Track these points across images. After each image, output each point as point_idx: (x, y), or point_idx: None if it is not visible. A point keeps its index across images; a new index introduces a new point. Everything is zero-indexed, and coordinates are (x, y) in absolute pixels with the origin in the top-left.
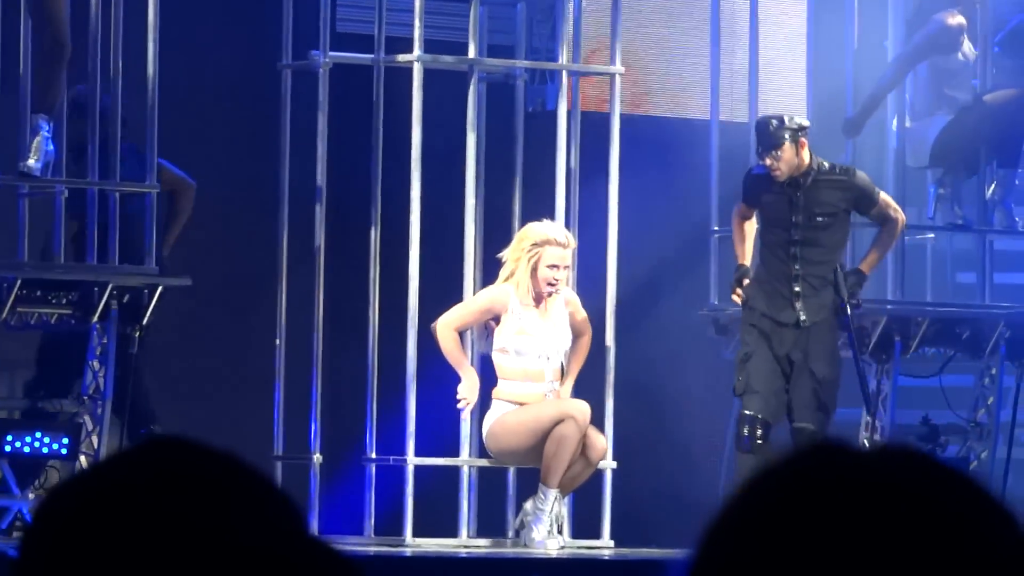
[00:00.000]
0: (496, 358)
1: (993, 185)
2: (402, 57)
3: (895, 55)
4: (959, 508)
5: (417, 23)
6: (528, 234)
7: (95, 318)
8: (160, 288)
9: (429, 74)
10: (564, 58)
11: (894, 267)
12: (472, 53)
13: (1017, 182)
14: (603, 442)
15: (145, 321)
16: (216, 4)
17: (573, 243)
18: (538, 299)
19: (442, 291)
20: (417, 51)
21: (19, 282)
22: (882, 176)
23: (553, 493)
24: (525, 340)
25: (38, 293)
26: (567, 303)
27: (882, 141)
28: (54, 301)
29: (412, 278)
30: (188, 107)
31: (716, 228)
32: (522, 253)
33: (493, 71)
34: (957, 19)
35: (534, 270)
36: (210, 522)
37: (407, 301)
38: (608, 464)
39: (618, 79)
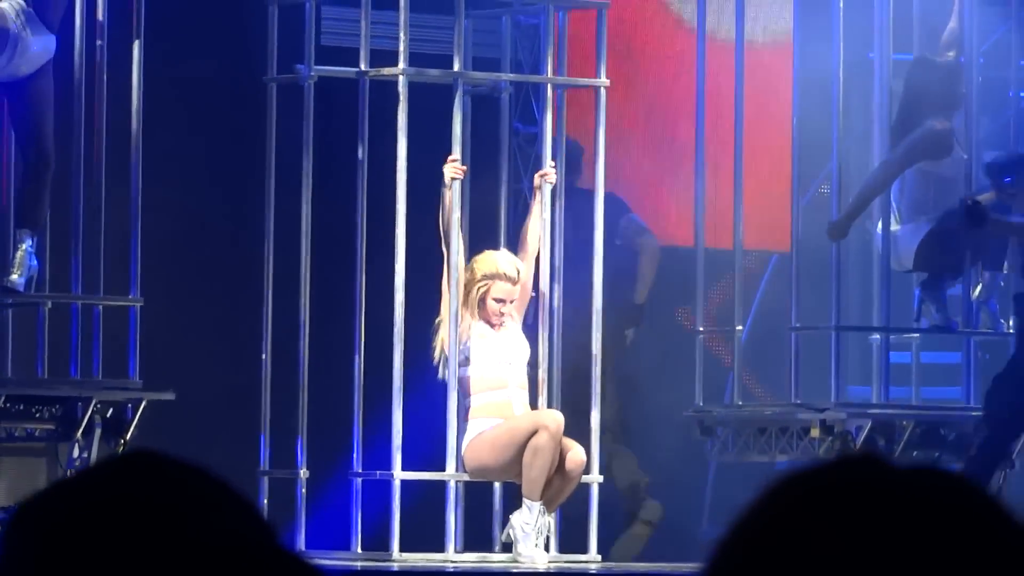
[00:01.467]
0: (464, 373)
1: (979, 287)
2: (387, 70)
3: (882, 160)
4: (985, 530)
5: (402, 36)
6: (479, 265)
7: (78, 433)
8: (144, 402)
9: (414, 87)
10: (549, 71)
11: (878, 371)
12: (457, 66)
13: (1002, 283)
14: (581, 454)
15: (128, 436)
16: (200, 19)
17: (523, 278)
18: (489, 324)
19: (428, 304)
20: (402, 64)
21: (3, 397)
22: (868, 279)
23: (537, 506)
24: (485, 345)
25: (21, 407)
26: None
27: (867, 244)
28: (38, 415)
29: (398, 291)
30: (173, 121)
31: (701, 328)
32: (472, 284)
33: (478, 84)
34: (945, 125)
35: (482, 300)
36: (180, 534)
37: (393, 314)
38: (595, 478)
39: (603, 92)
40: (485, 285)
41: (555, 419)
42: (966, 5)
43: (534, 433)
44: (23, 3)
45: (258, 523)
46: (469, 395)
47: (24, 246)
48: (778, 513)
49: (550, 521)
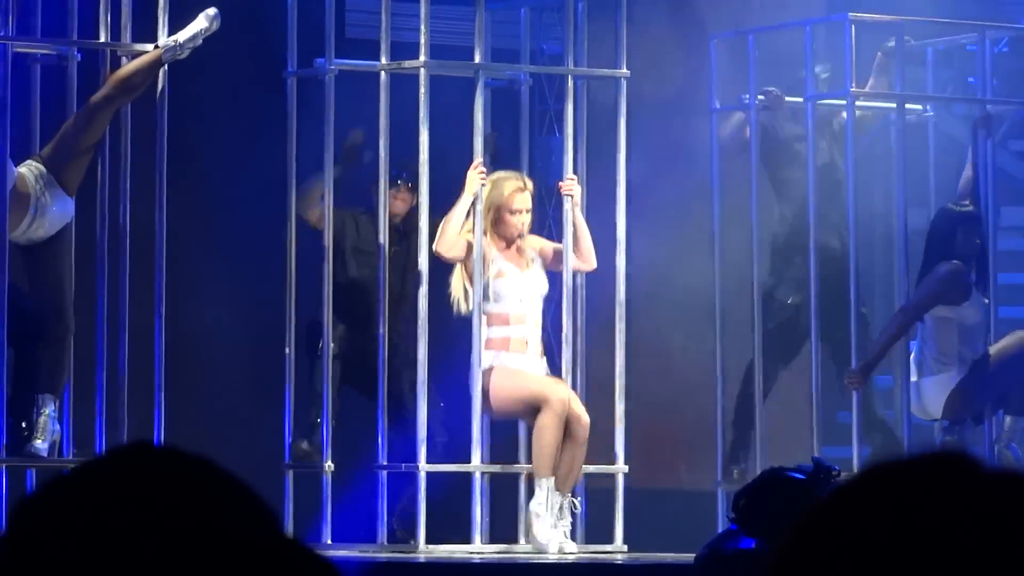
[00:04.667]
0: (485, 309)
1: (1001, 431)
2: (407, 63)
3: (900, 307)
4: None
5: (423, 29)
6: (490, 191)
7: None
8: None
9: (435, 79)
10: (570, 62)
11: None
12: (478, 58)
13: None
14: (586, 419)
15: None
16: (221, 14)
17: (531, 186)
18: (509, 244)
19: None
20: (423, 57)
21: None
22: (894, 429)
23: (546, 483)
24: (503, 283)
25: None
26: (539, 251)
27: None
28: None
29: (422, 283)
30: (194, 117)
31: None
32: (488, 209)
33: (499, 76)
34: (959, 267)
35: (499, 219)
36: (183, 525)
37: (417, 305)
38: (620, 468)
39: (623, 83)
40: (501, 201)
41: (560, 397)
42: (980, 153)
43: (538, 402)
44: (42, 168)
45: (262, 511)
46: (487, 327)
47: (47, 411)
48: (861, 503)
49: (575, 502)
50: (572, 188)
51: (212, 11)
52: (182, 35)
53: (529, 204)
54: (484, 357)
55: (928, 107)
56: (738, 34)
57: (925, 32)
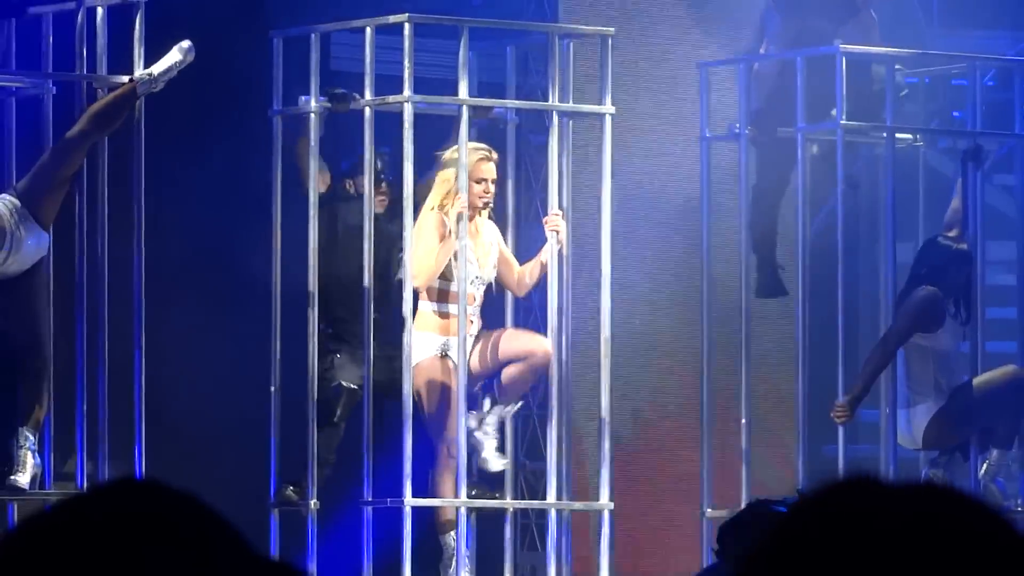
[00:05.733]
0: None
1: (986, 465)
2: (392, 98)
3: (882, 336)
4: (986, 536)
5: (407, 64)
6: (451, 157)
7: None
8: None
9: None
10: (554, 98)
11: None
12: (462, 94)
13: (1011, 464)
14: (547, 345)
15: None
16: (204, 52)
17: (496, 157)
18: (467, 218)
19: None
20: (407, 92)
21: None
22: (875, 457)
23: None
24: (454, 266)
25: None
26: (498, 242)
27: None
28: None
29: (406, 318)
30: (176, 152)
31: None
32: (450, 178)
33: (482, 113)
34: (935, 292)
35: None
36: (169, 562)
37: (401, 342)
38: (605, 505)
39: (608, 119)
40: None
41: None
42: (969, 186)
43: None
44: (16, 202)
45: (245, 546)
46: (423, 300)
47: (27, 445)
48: (794, 541)
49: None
50: (557, 224)
51: (186, 43)
52: (156, 68)
53: (494, 175)
54: (418, 343)
55: (919, 138)
56: (729, 62)
57: (913, 64)
